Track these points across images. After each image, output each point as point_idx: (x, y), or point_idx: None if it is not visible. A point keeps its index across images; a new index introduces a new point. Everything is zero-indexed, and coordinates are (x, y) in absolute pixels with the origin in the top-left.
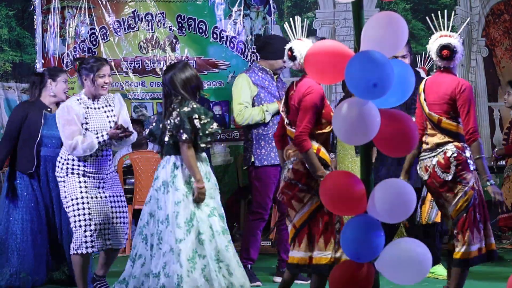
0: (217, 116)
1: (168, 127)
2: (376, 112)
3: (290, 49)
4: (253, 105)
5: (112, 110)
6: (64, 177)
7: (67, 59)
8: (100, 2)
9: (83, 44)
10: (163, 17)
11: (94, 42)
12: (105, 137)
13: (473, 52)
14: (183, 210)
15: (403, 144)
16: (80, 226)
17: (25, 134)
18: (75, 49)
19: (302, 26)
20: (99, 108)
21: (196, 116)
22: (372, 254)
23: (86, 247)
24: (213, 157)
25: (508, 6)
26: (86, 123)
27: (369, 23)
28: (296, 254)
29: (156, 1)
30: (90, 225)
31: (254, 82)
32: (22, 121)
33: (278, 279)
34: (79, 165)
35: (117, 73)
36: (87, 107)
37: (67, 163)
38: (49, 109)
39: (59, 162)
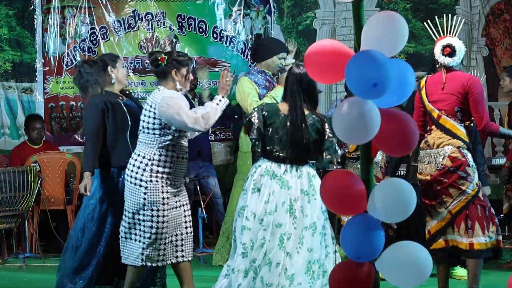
0: None
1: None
2: (376, 111)
3: (449, 46)
4: None
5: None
6: (147, 181)
7: (67, 58)
8: (100, 1)
9: (83, 44)
10: (163, 16)
11: (94, 42)
12: (224, 100)
13: (473, 51)
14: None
15: (403, 144)
16: (156, 238)
17: (113, 128)
18: (75, 49)
19: (454, 26)
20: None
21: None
22: (372, 254)
23: (157, 260)
24: (213, 157)
25: (508, 5)
26: None
27: (369, 23)
28: (455, 238)
29: (156, 1)
30: (165, 238)
31: (256, 82)
32: (103, 117)
33: None
34: (164, 168)
35: None
36: None
37: (152, 164)
38: (120, 98)
39: (140, 162)
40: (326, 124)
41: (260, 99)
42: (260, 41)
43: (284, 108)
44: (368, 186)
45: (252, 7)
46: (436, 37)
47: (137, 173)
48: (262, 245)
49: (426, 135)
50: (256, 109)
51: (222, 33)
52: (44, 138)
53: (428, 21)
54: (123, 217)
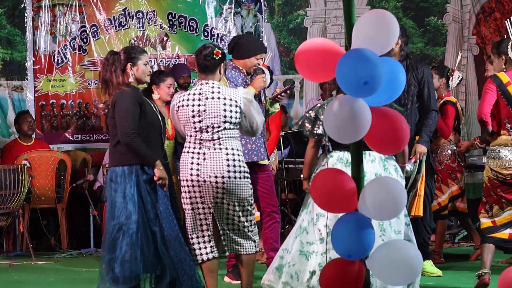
0: None
1: None
2: (367, 110)
3: None
4: None
5: None
6: (248, 172)
7: (57, 56)
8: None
9: (73, 42)
10: (154, 14)
11: (85, 40)
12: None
13: (463, 50)
14: None
15: (394, 142)
16: (256, 225)
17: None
18: (65, 47)
19: None
20: None
21: None
22: (363, 252)
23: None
24: None
25: (499, 4)
26: None
27: (360, 21)
28: None
29: None
30: None
31: (227, 78)
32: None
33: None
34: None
35: None
36: None
37: (242, 155)
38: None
39: (239, 155)
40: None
41: None
42: (239, 38)
43: None
44: (358, 185)
45: (243, 6)
46: None
47: (244, 167)
48: None
49: (506, 131)
50: (314, 107)
51: (213, 32)
52: (34, 136)
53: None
54: (238, 213)
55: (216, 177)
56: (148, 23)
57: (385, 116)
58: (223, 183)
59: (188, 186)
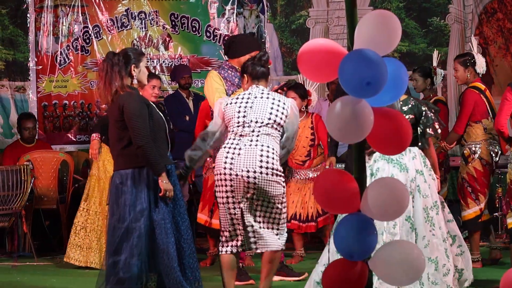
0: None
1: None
2: (369, 110)
3: None
4: None
5: None
6: (282, 172)
7: (60, 57)
8: (93, 0)
9: (76, 43)
10: (156, 15)
11: (88, 41)
12: None
13: (466, 50)
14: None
15: (397, 142)
16: (285, 224)
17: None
18: (68, 48)
19: None
20: None
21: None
22: (365, 253)
23: None
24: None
25: (502, 4)
26: None
27: (363, 22)
28: None
29: None
30: None
31: (224, 77)
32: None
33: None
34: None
35: None
36: None
37: (278, 157)
38: None
39: (276, 154)
40: (426, 106)
41: (228, 95)
42: (233, 38)
43: None
44: (361, 185)
45: (245, 6)
46: None
47: (277, 165)
48: (394, 226)
49: None
50: None
51: (215, 32)
52: (37, 137)
53: None
54: (267, 209)
55: (248, 171)
56: (151, 23)
57: (388, 116)
58: (255, 178)
59: (221, 180)
